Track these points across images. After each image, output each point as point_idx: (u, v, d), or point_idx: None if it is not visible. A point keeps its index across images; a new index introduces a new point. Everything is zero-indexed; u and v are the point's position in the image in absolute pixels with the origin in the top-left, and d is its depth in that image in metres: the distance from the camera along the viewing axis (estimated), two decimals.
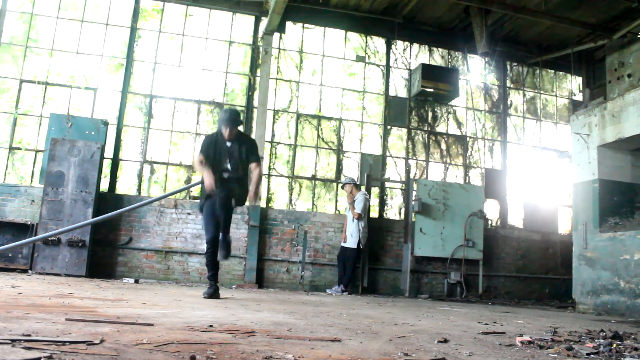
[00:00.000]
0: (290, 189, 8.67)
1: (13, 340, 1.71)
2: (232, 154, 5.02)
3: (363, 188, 8.33)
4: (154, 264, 7.70)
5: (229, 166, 5.02)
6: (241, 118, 5.07)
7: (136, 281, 7.02)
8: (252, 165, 5.10)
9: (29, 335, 1.83)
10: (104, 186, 7.80)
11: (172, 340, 2.02)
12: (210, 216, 5.01)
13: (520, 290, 9.12)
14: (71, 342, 1.78)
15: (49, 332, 1.97)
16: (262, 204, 8.26)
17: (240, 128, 5.28)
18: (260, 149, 8.25)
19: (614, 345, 2.63)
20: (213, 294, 4.84)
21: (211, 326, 2.54)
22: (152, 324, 2.44)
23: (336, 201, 8.84)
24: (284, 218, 8.32)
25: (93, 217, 6.97)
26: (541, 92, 10.26)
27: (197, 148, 8.20)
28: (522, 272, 9.20)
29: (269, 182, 8.57)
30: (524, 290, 9.13)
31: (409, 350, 2.21)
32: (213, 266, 5.02)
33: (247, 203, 5.27)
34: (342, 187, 8.07)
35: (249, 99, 8.64)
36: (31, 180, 7.63)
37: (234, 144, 5.04)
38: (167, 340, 2.01)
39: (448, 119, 9.64)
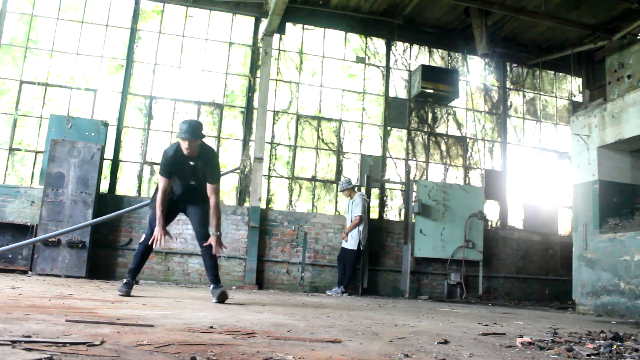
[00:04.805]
0: (290, 190, 8.67)
1: (13, 342, 1.71)
2: (196, 173, 4.42)
3: (363, 189, 8.32)
4: (154, 265, 7.69)
5: (194, 183, 4.48)
6: (203, 130, 4.38)
7: (136, 282, 7.00)
8: (209, 188, 4.38)
9: (29, 337, 1.83)
10: (104, 187, 7.80)
11: (172, 341, 2.02)
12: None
13: (520, 291, 9.12)
14: (71, 344, 1.78)
15: (49, 334, 1.97)
16: (262, 204, 8.25)
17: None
18: (261, 150, 8.25)
19: (615, 347, 2.63)
20: (126, 290, 4.36)
21: (211, 327, 2.54)
22: (152, 325, 2.44)
23: (336, 202, 8.84)
24: (284, 219, 8.32)
25: (93, 218, 6.97)
26: (541, 93, 10.27)
27: None
28: (522, 273, 9.20)
29: (269, 183, 8.57)
30: (524, 292, 9.13)
31: (410, 351, 2.21)
32: (138, 261, 4.51)
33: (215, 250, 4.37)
34: (341, 192, 8.01)
35: (249, 100, 8.65)
36: (31, 182, 7.63)
37: (198, 161, 4.38)
38: (168, 341, 2.01)
39: (448, 120, 9.64)
